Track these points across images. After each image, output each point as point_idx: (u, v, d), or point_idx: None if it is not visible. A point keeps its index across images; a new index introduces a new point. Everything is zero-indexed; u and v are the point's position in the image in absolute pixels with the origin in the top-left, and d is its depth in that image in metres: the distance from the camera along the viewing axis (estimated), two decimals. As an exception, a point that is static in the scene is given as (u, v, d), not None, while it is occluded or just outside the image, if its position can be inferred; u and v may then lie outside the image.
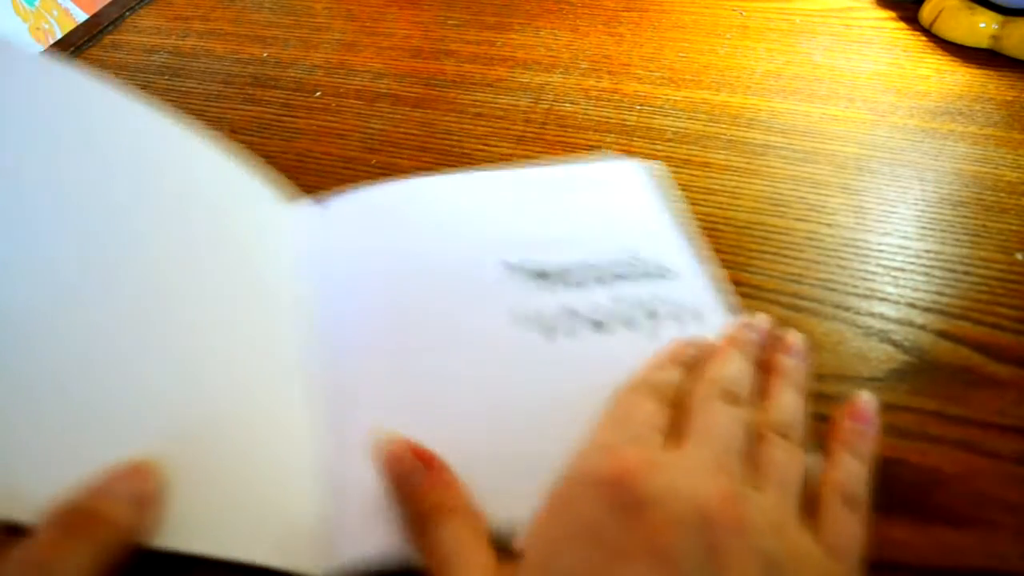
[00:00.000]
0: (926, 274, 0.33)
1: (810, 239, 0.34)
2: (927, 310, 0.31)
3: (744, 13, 0.52)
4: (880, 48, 0.48)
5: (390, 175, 0.39)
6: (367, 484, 0.25)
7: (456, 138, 0.42)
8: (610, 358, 0.28)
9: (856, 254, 0.34)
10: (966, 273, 0.33)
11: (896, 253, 0.34)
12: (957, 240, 0.34)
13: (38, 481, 0.20)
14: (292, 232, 0.34)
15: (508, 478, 0.25)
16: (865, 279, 0.33)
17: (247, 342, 0.28)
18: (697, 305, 0.31)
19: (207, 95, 0.46)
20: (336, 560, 0.23)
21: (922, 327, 0.31)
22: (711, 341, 0.28)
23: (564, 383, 0.28)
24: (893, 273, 0.33)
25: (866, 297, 0.32)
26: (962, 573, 0.24)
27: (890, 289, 0.32)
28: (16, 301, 0.23)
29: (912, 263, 0.33)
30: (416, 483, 0.24)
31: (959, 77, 0.45)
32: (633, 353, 0.28)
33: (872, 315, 0.31)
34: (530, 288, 0.31)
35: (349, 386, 0.28)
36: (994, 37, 0.47)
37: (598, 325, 0.30)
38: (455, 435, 0.26)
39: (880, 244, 0.34)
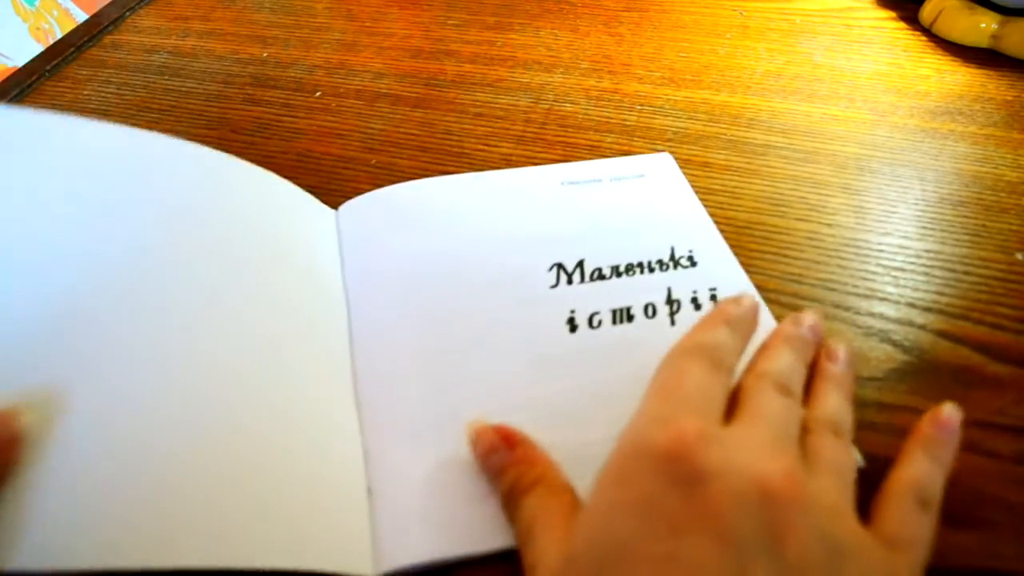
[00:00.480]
0: (926, 274, 0.33)
1: (810, 239, 0.34)
2: (927, 310, 0.31)
3: (744, 13, 0.52)
4: (880, 48, 0.48)
5: (390, 175, 0.39)
6: (410, 484, 0.25)
7: (456, 138, 0.42)
8: (652, 349, 0.28)
9: (856, 254, 0.34)
10: (966, 273, 0.33)
11: (896, 253, 0.34)
12: (957, 240, 0.34)
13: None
14: (329, 235, 0.35)
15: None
16: (865, 279, 0.33)
17: (294, 348, 0.28)
18: (721, 287, 0.32)
19: (207, 95, 0.46)
20: (386, 561, 0.23)
21: (922, 327, 0.31)
22: (755, 298, 0.27)
23: (608, 375, 0.28)
24: (893, 273, 0.33)
25: (866, 297, 0.32)
26: (962, 573, 0.24)
27: (890, 289, 0.32)
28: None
29: (912, 263, 0.33)
30: (499, 461, 0.24)
31: (959, 77, 0.45)
32: (665, 345, 0.27)
33: (872, 315, 0.31)
34: (572, 284, 0.32)
35: (387, 388, 0.28)
36: (994, 37, 0.47)
37: (635, 318, 0.30)
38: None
39: (880, 244, 0.34)
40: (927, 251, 0.34)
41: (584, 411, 0.27)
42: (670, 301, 0.31)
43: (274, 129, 0.43)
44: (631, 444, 0.21)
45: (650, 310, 0.31)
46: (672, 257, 0.33)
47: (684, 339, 0.24)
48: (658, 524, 0.19)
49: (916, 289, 0.32)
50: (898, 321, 0.31)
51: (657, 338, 0.29)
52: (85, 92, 0.46)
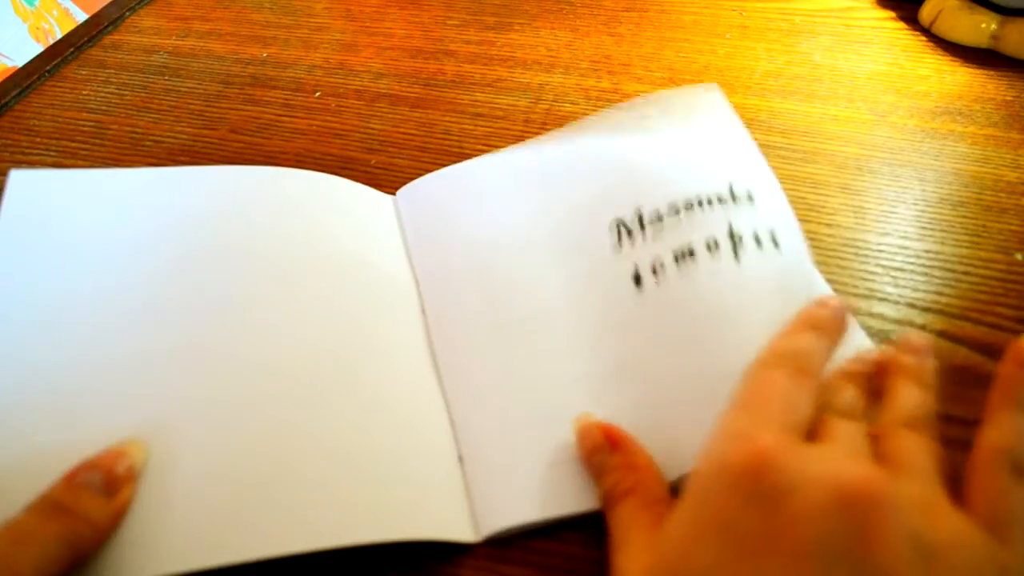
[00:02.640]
0: (926, 274, 0.33)
1: (810, 239, 0.34)
2: (927, 310, 0.31)
3: (744, 13, 0.52)
4: (880, 48, 0.48)
5: (390, 175, 0.39)
6: (499, 449, 0.26)
7: (456, 138, 0.42)
8: (717, 288, 0.29)
9: (856, 254, 0.34)
10: (966, 273, 0.33)
11: (896, 253, 0.34)
12: (957, 240, 0.34)
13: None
14: (390, 220, 0.36)
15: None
16: (865, 279, 0.33)
17: (376, 330, 0.30)
18: (778, 228, 0.31)
19: (207, 95, 0.46)
20: (486, 525, 0.24)
21: (922, 327, 0.31)
22: (841, 301, 0.25)
23: (676, 323, 0.28)
24: (893, 273, 0.33)
25: (866, 297, 0.32)
26: (961, 573, 0.23)
27: (890, 289, 0.32)
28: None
29: (912, 263, 0.33)
30: (601, 462, 0.25)
31: (959, 77, 0.45)
32: (731, 282, 0.28)
33: (872, 315, 0.31)
34: (633, 236, 0.31)
35: (466, 359, 0.29)
36: (994, 37, 0.47)
37: (696, 254, 0.30)
38: (580, 399, 0.27)
39: (880, 244, 0.34)
40: (927, 251, 0.34)
41: (654, 367, 0.28)
42: (732, 236, 0.30)
43: (274, 129, 0.43)
44: (709, 462, 0.21)
45: (712, 245, 0.29)
46: (731, 192, 0.31)
47: (768, 348, 0.24)
48: (738, 547, 0.18)
49: (916, 289, 0.32)
50: (898, 321, 0.31)
51: (721, 277, 0.29)
52: (85, 92, 0.46)
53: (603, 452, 0.25)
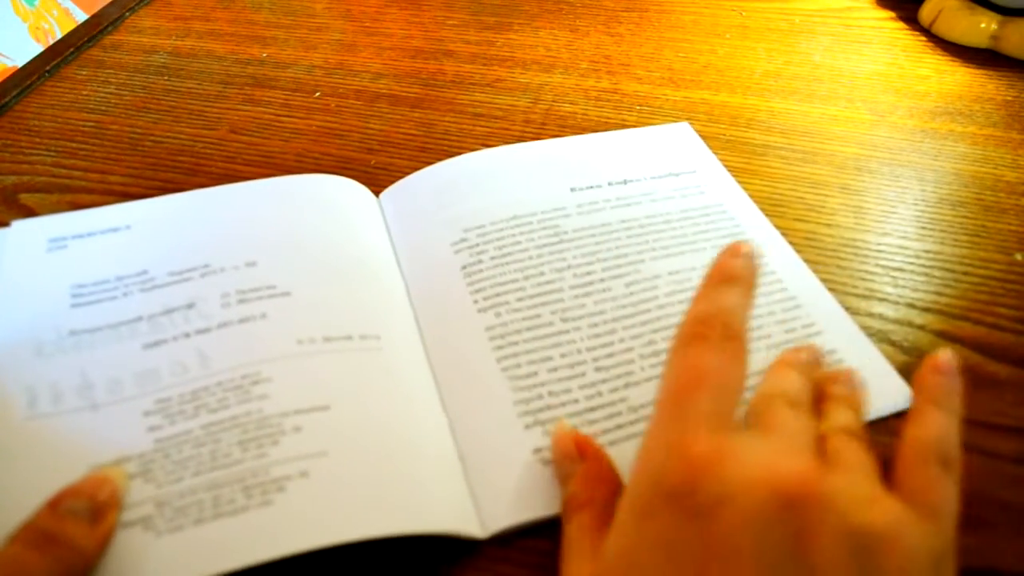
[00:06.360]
0: (925, 274, 0.33)
1: (809, 239, 0.34)
2: (926, 310, 0.31)
3: (744, 13, 0.52)
4: (880, 48, 0.48)
5: (389, 175, 0.39)
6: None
7: (455, 138, 0.42)
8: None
9: (855, 254, 0.34)
10: (965, 273, 0.33)
11: (895, 253, 0.34)
12: (956, 240, 0.34)
13: None
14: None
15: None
16: (864, 279, 0.33)
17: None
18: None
19: (207, 95, 0.46)
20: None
21: (921, 327, 0.31)
22: (752, 243, 0.24)
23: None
24: (892, 273, 0.33)
25: (865, 297, 0.32)
26: (961, 573, 0.23)
27: (889, 289, 0.32)
28: None
29: (911, 263, 0.33)
30: (567, 470, 0.24)
31: (959, 77, 0.45)
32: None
33: (871, 315, 0.31)
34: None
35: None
36: (994, 37, 0.47)
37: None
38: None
39: (879, 244, 0.34)
40: (926, 251, 0.34)
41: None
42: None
43: (274, 129, 0.43)
44: (646, 475, 0.20)
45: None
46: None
47: (689, 316, 0.23)
48: (683, 563, 0.18)
49: (915, 289, 0.32)
50: (897, 321, 0.31)
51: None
52: (85, 92, 0.46)
53: (571, 460, 0.24)
